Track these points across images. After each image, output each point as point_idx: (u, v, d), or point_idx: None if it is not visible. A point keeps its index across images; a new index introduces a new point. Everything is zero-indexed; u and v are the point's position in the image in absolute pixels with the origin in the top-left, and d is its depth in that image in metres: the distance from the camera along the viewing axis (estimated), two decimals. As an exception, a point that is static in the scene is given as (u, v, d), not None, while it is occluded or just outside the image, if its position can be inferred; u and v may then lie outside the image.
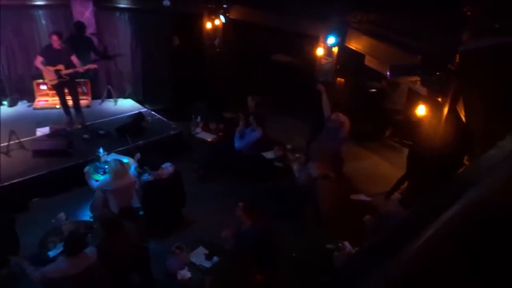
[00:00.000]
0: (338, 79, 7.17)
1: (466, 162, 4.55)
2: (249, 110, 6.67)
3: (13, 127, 6.71)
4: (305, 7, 6.51)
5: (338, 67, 6.86)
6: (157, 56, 8.79)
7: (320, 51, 6.84)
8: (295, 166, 5.30)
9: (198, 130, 7.29)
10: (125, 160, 5.58)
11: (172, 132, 7.60)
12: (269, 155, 6.59)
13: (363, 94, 7.85)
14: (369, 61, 5.81)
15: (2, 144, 6.52)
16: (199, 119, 7.43)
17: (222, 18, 8.03)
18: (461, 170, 1.18)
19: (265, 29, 7.84)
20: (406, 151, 7.40)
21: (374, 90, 7.93)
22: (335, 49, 6.68)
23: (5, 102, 8.27)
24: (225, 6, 7.94)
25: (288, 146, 6.79)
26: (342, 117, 5.67)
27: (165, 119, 8.12)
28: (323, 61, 6.91)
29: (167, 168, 5.41)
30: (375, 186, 6.47)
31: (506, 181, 1.12)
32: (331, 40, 6.41)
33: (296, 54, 8.45)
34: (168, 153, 6.47)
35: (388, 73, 4.92)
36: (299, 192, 5.48)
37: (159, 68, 8.87)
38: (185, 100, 8.89)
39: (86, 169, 5.14)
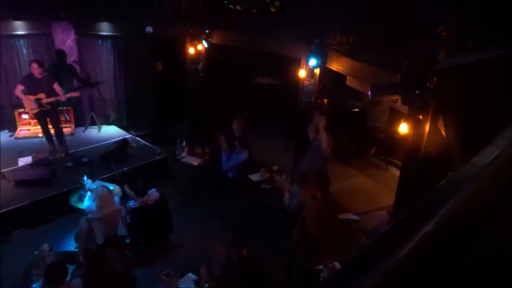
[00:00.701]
0: (321, 99, 7.28)
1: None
2: (235, 133, 6.71)
3: (-6, 157, 6.58)
4: (286, 30, 6.65)
5: (321, 87, 6.98)
6: (141, 82, 8.80)
7: (302, 73, 6.96)
8: (286, 194, 5.31)
9: (184, 154, 7.28)
10: (111, 187, 5.51)
11: (157, 157, 7.55)
12: (255, 177, 6.60)
13: (346, 114, 7.98)
14: (350, 81, 5.94)
15: (-18, 176, 6.39)
16: (184, 143, 7.42)
17: (205, 43, 8.12)
18: (437, 185, 1.23)
19: (248, 52, 7.96)
20: (390, 168, 7.54)
21: (356, 109, 8.07)
22: (317, 71, 6.80)
23: (-15, 133, 8.13)
24: (207, 31, 8.04)
25: (275, 167, 6.82)
26: (326, 137, 5.73)
27: (150, 145, 8.08)
28: (306, 82, 7.02)
29: (153, 194, 5.37)
30: (362, 204, 6.51)
31: (473, 196, 1.17)
32: (312, 62, 6.54)
33: (279, 76, 8.58)
34: (153, 178, 6.42)
35: (369, 92, 5.03)
36: (286, 213, 5.48)
37: (142, 93, 8.87)
38: (170, 125, 8.89)
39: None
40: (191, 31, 8.17)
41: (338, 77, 6.39)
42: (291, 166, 6.95)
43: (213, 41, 8.16)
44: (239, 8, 7.61)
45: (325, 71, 6.74)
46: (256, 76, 9.11)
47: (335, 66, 6.39)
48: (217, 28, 8.02)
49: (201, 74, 8.77)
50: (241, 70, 8.86)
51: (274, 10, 7.20)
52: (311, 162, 5.83)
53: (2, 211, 5.75)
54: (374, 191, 6.98)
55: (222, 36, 8.10)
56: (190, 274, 4.36)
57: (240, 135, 6.67)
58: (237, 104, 8.42)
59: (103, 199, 4.78)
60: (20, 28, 7.92)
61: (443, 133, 4.51)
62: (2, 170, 6.50)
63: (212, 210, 6.49)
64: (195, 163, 7.07)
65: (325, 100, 7.52)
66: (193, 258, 5.33)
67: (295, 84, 7.35)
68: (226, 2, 7.81)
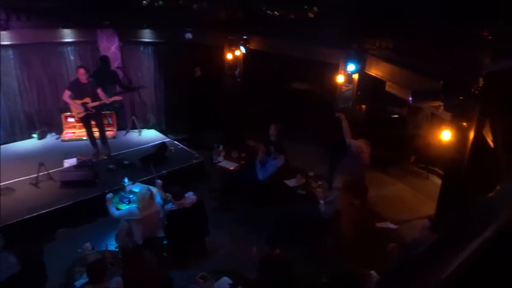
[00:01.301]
0: (359, 105, 7.17)
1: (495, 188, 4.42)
2: (271, 138, 6.72)
3: (42, 159, 6.92)
4: (324, 35, 6.61)
5: (359, 93, 6.87)
6: (180, 87, 9.02)
7: (340, 78, 6.89)
8: (321, 201, 5.27)
9: (220, 158, 7.35)
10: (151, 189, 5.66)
11: (194, 161, 7.70)
12: (291, 182, 6.57)
13: (384, 120, 7.80)
14: (390, 87, 5.81)
15: (31, 176, 6.73)
16: (221, 147, 7.51)
17: (242, 48, 8.22)
18: (486, 197, 1.17)
19: (285, 58, 7.97)
20: (432, 177, 7.29)
21: (395, 116, 7.87)
22: (355, 76, 6.71)
23: (34, 135, 8.58)
24: (245, 37, 8.14)
25: (310, 173, 6.76)
26: (363, 144, 5.64)
27: (187, 149, 8.26)
28: (344, 88, 6.94)
29: (190, 197, 5.46)
30: (400, 214, 6.33)
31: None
32: (351, 67, 6.46)
33: (316, 82, 8.53)
34: (190, 182, 6.54)
35: (410, 98, 4.89)
36: (322, 219, 5.44)
37: (181, 98, 9.08)
38: (207, 129, 9.03)
39: (109, 195, 5.24)
40: (229, 37, 8.29)
41: (377, 83, 6.27)
42: (327, 173, 6.87)
43: (251, 47, 8.24)
44: (277, 14, 7.64)
45: (363, 76, 6.64)
46: (292, 81, 9.09)
47: (374, 71, 6.28)
48: (254, 34, 8.10)
49: (238, 80, 8.86)
50: (277, 75, 8.88)
51: (312, 15, 7.17)
52: (347, 169, 5.74)
53: (48, 210, 6.04)
54: (414, 200, 6.78)
55: (259, 42, 8.17)
56: (225, 278, 4.39)
57: (276, 141, 6.68)
58: (273, 110, 8.43)
59: (144, 201, 4.91)
60: (68, 35, 8.33)
61: (490, 142, 4.32)
62: (49, 171, 6.82)
63: (248, 214, 6.53)
64: (231, 168, 7.13)
65: (363, 106, 7.39)
66: (228, 262, 5.39)
67: (332, 89, 7.28)
68: (264, 8, 7.86)
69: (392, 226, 6.04)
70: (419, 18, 5.60)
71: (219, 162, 7.27)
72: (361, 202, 5.60)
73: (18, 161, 7.54)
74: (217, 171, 7.37)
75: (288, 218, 6.16)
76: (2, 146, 8.20)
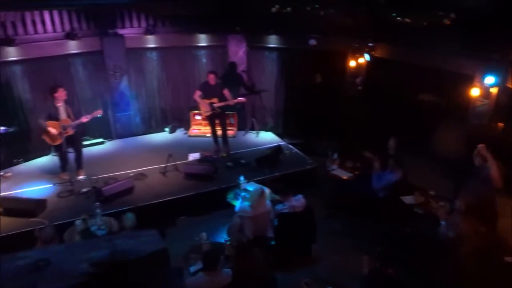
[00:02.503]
0: (495, 123, 6.42)
1: None
2: (389, 151, 6.42)
3: (171, 151, 7.69)
4: (460, 44, 6.08)
5: (497, 109, 6.16)
6: (299, 92, 9.16)
7: (475, 92, 6.26)
8: (442, 222, 4.86)
9: (334, 166, 7.25)
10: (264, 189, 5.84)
11: (307, 167, 7.74)
12: (408, 199, 6.17)
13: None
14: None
15: (161, 165, 7.50)
16: (335, 156, 7.41)
17: (367, 56, 8.00)
18: None
19: (412, 68, 7.53)
20: None
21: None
22: (494, 90, 6.03)
23: (166, 129, 9.57)
24: (370, 44, 7.91)
25: (431, 192, 6.27)
26: (496, 165, 5.02)
27: (301, 153, 8.35)
28: (478, 102, 6.29)
29: (300, 200, 5.50)
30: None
31: None
32: (489, 80, 5.83)
33: (446, 94, 7.87)
34: (301, 186, 6.58)
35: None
36: (441, 242, 5.00)
37: (300, 103, 9.21)
38: (323, 136, 8.98)
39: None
40: (354, 44, 8.14)
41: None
42: (451, 194, 6.29)
43: (376, 55, 7.97)
44: (408, 20, 7.25)
45: (504, 90, 5.93)
46: (418, 93, 8.52)
47: (518, 86, 5.58)
48: (381, 41, 7.82)
49: (359, 88, 8.65)
50: (402, 86, 8.43)
51: (448, 22, 6.64)
52: (475, 192, 5.18)
53: (172, 198, 6.66)
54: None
55: (386, 50, 7.86)
56: (329, 288, 4.33)
57: (395, 154, 6.35)
58: (395, 121, 8.02)
59: (257, 199, 5.11)
60: (202, 40, 9.11)
61: None
62: (176, 163, 7.52)
63: (358, 226, 6.33)
64: (345, 177, 6.98)
65: (500, 124, 6.60)
66: (333, 272, 5.30)
67: (464, 104, 6.65)
68: (393, 14, 7.54)
69: (526, 263, 5.28)
70: None
71: (333, 170, 7.18)
72: (489, 230, 5.01)
73: (152, 151, 8.49)
74: (330, 179, 7.28)
75: (402, 236, 5.80)
76: (140, 136, 9.33)
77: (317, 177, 7.74)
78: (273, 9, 8.40)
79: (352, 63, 8.35)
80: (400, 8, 7.37)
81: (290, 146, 8.74)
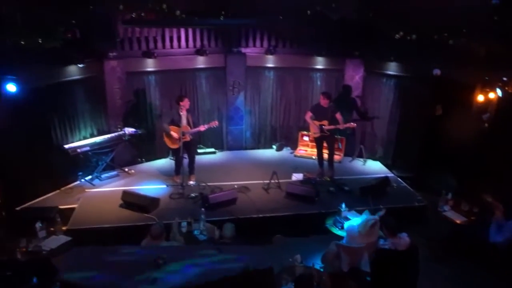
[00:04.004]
0: None
1: None
2: (516, 199, 5.69)
3: (276, 168, 7.85)
4: None
5: None
6: (415, 124, 8.63)
7: None
8: None
9: (447, 207, 6.65)
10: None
11: (416, 204, 7.24)
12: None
13: None
14: None
15: (265, 181, 7.69)
16: (449, 195, 6.80)
17: (499, 91, 7.22)
18: None
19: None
20: None
21: None
22: None
23: (274, 146, 9.82)
24: (504, 78, 7.13)
25: None
26: None
27: (410, 188, 7.86)
28: None
29: (404, 238, 5.13)
30: None
31: None
32: None
33: None
34: (407, 224, 6.15)
35: None
36: None
37: (414, 135, 8.67)
38: (436, 172, 8.32)
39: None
40: (485, 78, 7.42)
41: None
42: None
43: (510, 90, 7.16)
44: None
45: None
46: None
47: None
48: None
49: (485, 125, 7.83)
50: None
51: None
52: None
53: (272, 215, 6.78)
54: None
55: (523, 86, 7.02)
56: None
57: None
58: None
59: (369, 229, 4.95)
60: (319, 63, 9.20)
61: None
62: (279, 181, 7.63)
63: (466, 276, 5.72)
64: (458, 221, 6.35)
65: None
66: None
67: None
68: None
69: None
70: None
71: (445, 211, 6.60)
72: None
73: (258, 166, 8.77)
74: (440, 221, 6.70)
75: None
76: (248, 150, 9.71)
77: (427, 216, 7.18)
78: (397, 36, 8.13)
79: (480, 98, 7.60)
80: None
81: (399, 179, 8.27)
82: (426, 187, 7.98)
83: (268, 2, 8.88)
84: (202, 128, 7.51)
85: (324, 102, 7.76)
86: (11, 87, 6.12)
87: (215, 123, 7.62)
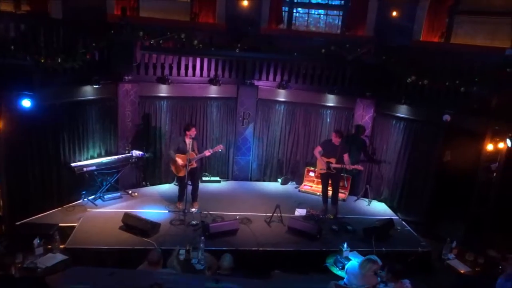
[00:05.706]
0: None
1: None
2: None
3: (279, 202, 7.77)
4: None
5: None
6: (422, 168, 8.58)
7: None
8: None
9: (451, 256, 6.49)
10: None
11: (419, 249, 7.09)
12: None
13: None
14: None
15: (267, 214, 7.62)
16: (454, 243, 6.65)
17: (509, 142, 7.18)
18: None
19: None
20: None
21: None
22: None
23: (279, 180, 9.77)
24: (515, 129, 7.11)
25: None
26: None
27: (415, 233, 7.72)
28: None
29: (406, 284, 5.00)
30: None
31: None
32: None
33: None
34: (409, 270, 5.99)
35: None
36: None
37: (421, 180, 8.60)
38: (443, 220, 8.18)
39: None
40: (496, 127, 7.41)
41: None
42: None
43: (521, 142, 7.11)
44: None
45: None
46: None
47: None
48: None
49: (494, 175, 7.75)
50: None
51: None
52: None
53: (273, 249, 6.67)
54: None
55: (533, 139, 6.98)
56: None
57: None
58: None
59: (368, 270, 4.86)
60: (330, 100, 9.26)
61: None
62: (282, 215, 7.56)
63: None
64: (462, 271, 6.17)
65: None
66: None
67: None
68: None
69: None
70: None
71: (449, 259, 6.43)
72: None
73: (261, 198, 8.72)
74: (444, 269, 6.52)
75: None
76: (253, 182, 9.68)
77: (430, 263, 7.01)
78: (409, 80, 8.22)
79: (490, 147, 7.56)
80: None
81: (403, 222, 8.14)
82: (431, 233, 7.84)
83: (284, 39, 9.12)
84: (207, 153, 7.57)
85: (336, 140, 7.78)
86: (26, 103, 6.23)
87: (220, 147, 7.68)
